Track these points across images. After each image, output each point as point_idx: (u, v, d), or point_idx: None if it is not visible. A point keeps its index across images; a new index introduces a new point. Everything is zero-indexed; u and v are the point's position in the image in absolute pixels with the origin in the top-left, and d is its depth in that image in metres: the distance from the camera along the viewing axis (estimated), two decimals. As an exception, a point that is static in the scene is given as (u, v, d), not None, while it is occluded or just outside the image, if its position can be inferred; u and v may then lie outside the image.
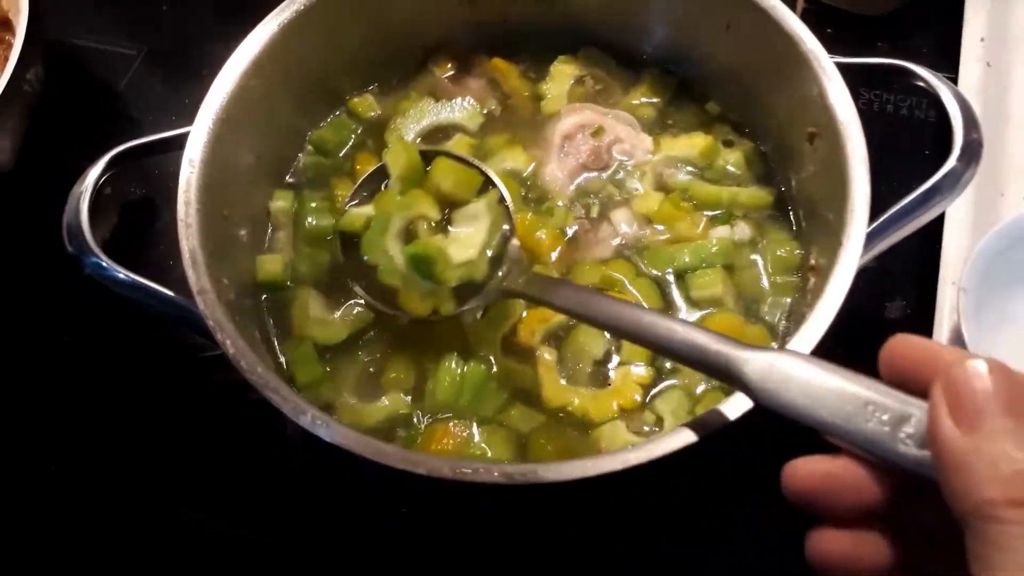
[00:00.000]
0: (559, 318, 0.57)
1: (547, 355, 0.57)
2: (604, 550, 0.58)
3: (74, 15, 0.84)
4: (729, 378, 0.38)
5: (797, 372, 0.34)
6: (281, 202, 0.64)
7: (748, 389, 0.36)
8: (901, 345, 0.33)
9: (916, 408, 0.31)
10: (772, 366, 0.35)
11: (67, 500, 0.61)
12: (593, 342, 0.57)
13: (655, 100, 0.68)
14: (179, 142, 0.55)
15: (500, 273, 0.54)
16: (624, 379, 0.55)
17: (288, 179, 0.66)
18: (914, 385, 0.32)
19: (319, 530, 0.59)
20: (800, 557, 0.34)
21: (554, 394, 0.55)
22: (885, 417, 0.31)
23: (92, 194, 0.55)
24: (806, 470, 0.33)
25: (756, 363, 0.36)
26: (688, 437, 0.43)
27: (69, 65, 0.82)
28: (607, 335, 0.57)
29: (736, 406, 0.43)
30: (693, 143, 0.64)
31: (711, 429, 0.43)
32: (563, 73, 0.69)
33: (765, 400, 0.36)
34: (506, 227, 0.55)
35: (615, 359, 0.57)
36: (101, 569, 0.59)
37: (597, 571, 0.58)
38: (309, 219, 0.62)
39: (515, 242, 0.55)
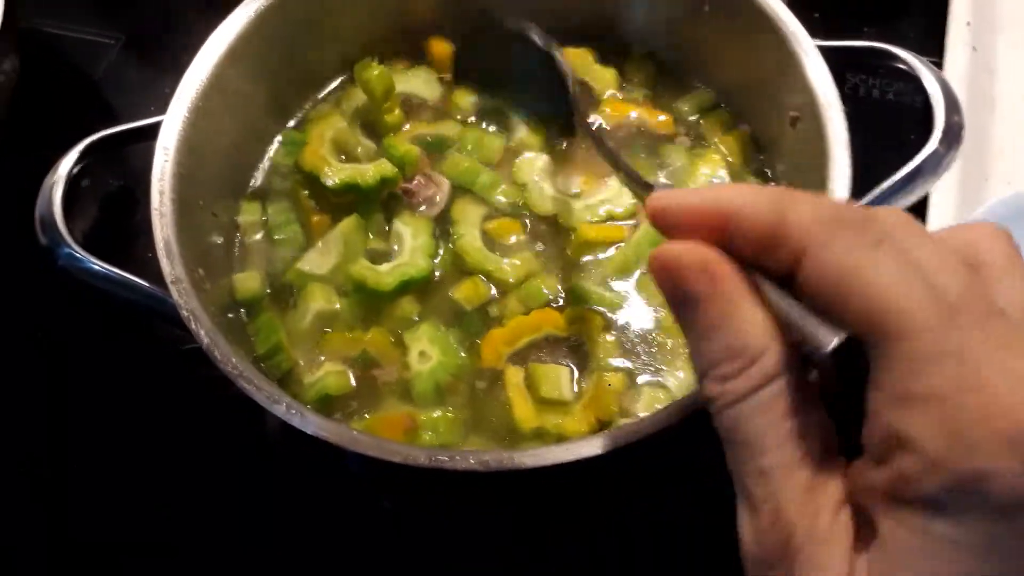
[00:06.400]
0: (525, 339, 0.55)
1: (516, 376, 0.54)
2: (594, 545, 0.57)
3: (50, 2, 0.83)
4: None
5: None
6: (249, 216, 0.61)
7: None
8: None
9: None
10: None
11: (42, 499, 0.61)
12: (555, 373, 0.54)
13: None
14: (155, 131, 0.54)
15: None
16: (597, 390, 0.53)
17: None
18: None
19: (300, 526, 0.58)
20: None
21: (526, 415, 0.52)
22: None
23: (65, 184, 0.54)
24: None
25: None
26: (669, 418, 0.42)
27: (45, 54, 0.81)
28: (568, 364, 0.54)
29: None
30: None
31: (691, 411, 0.42)
32: None
33: None
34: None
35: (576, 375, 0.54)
36: (80, 569, 0.59)
37: (585, 565, 0.57)
38: (277, 236, 0.60)
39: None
